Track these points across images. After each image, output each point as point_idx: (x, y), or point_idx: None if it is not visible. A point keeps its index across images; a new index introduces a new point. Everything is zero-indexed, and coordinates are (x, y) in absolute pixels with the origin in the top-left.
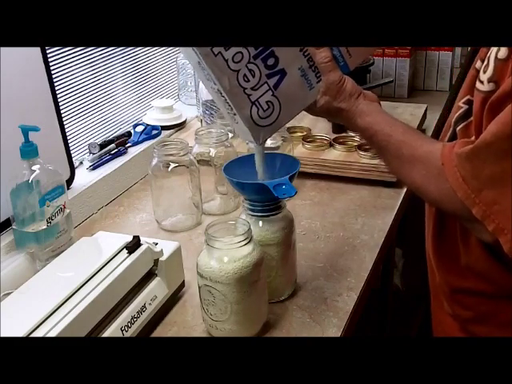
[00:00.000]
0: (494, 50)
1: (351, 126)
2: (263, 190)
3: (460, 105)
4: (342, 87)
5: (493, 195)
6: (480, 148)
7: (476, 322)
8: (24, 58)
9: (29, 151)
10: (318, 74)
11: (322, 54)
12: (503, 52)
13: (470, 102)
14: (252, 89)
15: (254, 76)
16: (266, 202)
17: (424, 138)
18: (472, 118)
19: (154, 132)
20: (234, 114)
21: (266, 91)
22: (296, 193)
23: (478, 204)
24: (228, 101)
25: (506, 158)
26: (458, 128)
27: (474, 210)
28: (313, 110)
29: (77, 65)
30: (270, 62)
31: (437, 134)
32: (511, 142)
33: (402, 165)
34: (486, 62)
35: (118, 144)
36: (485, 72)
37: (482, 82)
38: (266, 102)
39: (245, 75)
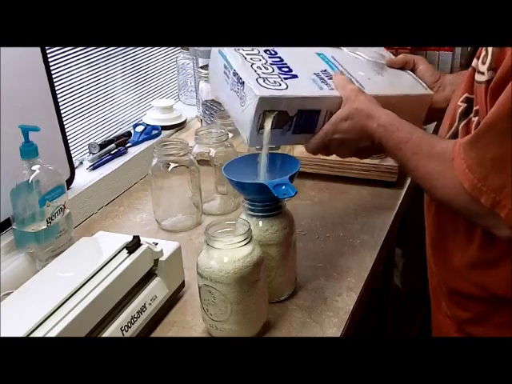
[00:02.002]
0: None
1: (374, 124)
2: (263, 190)
3: (458, 104)
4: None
5: (500, 179)
6: (482, 132)
7: (473, 323)
8: (24, 58)
9: (29, 151)
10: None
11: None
12: None
13: (468, 100)
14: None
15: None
16: (266, 201)
17: (441, 138)
18: (472, 115)
19: (154, 132)
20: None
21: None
22: (296, 193)
23: (486, 192)
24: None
25: (509, 138)
26: (460, 126)
27: (483, 199)
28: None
29: (77, 65)
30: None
31: (437, 134)
32: None
33: (420, 161)
34: (484, 53)
35: (118, 144)
36: (484, 63)
37: (482, 73)
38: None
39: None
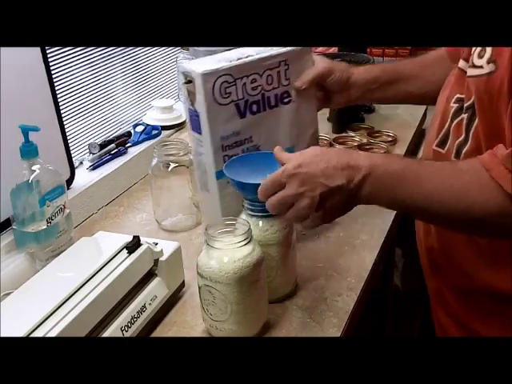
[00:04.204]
0: None
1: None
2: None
3: (451, 105)
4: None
5: None
6: None
7: (480, 321)
8: (24, 58)
9: (29, 151)
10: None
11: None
12: None
13: (460, 100)
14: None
15: None
16: None
17: (449, 164)
18: (463, 113)
19: (154, 132)
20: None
21: None
22: None
23: None
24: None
25: None
26: (452, 125)
27: None
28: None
29: (77, 65)
30: None
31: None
32: None
33: (448, 181)
34: (480, 48)
35: (118, 144)
36: (481, 57)
37: (479, 67)
38: None
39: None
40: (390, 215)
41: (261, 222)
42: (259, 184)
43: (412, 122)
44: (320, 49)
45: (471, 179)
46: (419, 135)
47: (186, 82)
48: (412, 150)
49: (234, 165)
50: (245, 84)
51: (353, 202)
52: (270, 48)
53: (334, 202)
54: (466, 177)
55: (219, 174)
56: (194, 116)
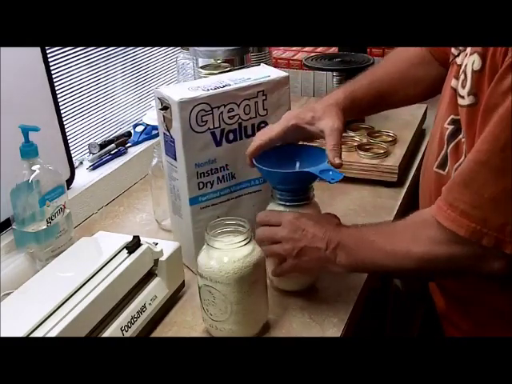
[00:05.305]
0: (469, 63)
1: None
2: (302, 179)
3: (445, 126)
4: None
5: (501, 218)
6: (474, 172)
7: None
8: (24, 58)
9: (29, 151)
10: None
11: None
12: (477, 63)
13: (454, 122)
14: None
15: None
16: (299, 191)
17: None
18: (461, 136)
19: (154, 132)
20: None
21: None
22: (344, 176)
23: (487, 233)
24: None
25: (505, 175)
26: (449, 149)
27: (485, 240)
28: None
29: (77, 65)
30: None
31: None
32: (507, 155)
33: (389, 240)
34: (463, 77)
35: (118, 144)
36: (464, 87)
37: (462, 97)
38: None
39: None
40: (389, 215)
41: (288, 211)
42: (286, 173)
43: (412, 121)
44: (320, 49)
45: (407, 231)
46: (419, 135)
47: (162, 109)
48: (412, 150)
49: (268, 155)
50: (222, 113)
51: (328, 265)
52: (247, 77)
53: (309, 259)
54: (405, 235)
55: (193, 200)
56: (169, 141)
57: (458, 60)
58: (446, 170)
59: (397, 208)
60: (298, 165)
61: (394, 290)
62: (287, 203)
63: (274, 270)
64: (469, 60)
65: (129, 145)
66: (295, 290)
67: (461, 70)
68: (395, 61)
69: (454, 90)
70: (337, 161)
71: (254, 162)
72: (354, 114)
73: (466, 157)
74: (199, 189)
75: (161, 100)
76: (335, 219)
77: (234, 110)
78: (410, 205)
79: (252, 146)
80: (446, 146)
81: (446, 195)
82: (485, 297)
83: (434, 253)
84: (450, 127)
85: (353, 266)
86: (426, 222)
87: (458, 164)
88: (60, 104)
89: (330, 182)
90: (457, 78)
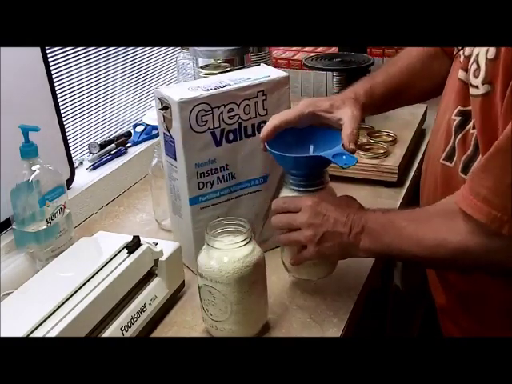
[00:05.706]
0: (481, 52)
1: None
2: (315, 163)
3: (453, 118)
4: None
5: None
6: (497, 154)
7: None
8: (24, 58)
9: (29, 151)
10: None
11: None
12: (492, 52)
13: (462, 113)
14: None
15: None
16: (315, 175)
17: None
18: (469, 127)
19: (154, 132)
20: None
21: None
22: (357, 161)
23: (507, 222)
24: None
25: None
26: (457, 140)
27: (505, 229)
28: None
29: (77, 65)
30: None
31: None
32: None
33: (421, 228)
34: (475, 67)
35: (118, 144)
36: (477, 76)
37: (475, 87)
38: None
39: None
40: None
41: (302, 196)
42: (298, 157)
43: (412, 121)
44: (320, 49)
45: (441, 221)
46: (419, 135)
47: (162, 109)
48: (412, 150)
49: (282, 136)
50: (222, 113)
51: (351, 250)
52: (247, 77)
53: (332, 245)
54: (437, 219)
55: (193, 200)
56: (169, 141)
57: (466, 51)
58: (454, 161)
59: (397, 208)
60: (311, 148)
61: (393, 290)
62: (301, 188)
63: (294, 258)
64: (481, 50)
65: (129, 145)
66: (314, 279)
67: (471, 60)
68: (408, 57)
69: (463, 82)
70: (351, 146)
71: (267, 146)
72: (372, 110)
73: (474, 148)
74: (199, 189)
75: (161, 100)
76: (355, 202)
77: (233, 110)
78: (410, 205)
79: (267, 127)
80: (453, 138)
81: (469, 182)
82: (488, 293)
83: (471, 243)
84: (458, 118)
85: (377, 252)
86: (459, 212)
87: (465, 156)
88: (60, 104)
89: (342, 167)
90: (464, 69)
